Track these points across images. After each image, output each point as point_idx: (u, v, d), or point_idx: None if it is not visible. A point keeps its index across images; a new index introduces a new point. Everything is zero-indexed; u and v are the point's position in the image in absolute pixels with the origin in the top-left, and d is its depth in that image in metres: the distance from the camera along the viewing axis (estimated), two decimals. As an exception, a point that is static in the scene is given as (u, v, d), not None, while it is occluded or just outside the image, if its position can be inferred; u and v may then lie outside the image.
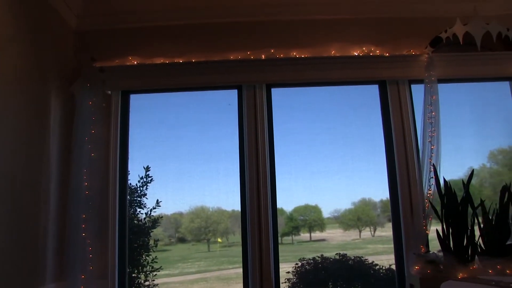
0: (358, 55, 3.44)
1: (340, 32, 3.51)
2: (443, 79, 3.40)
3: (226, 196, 3.50)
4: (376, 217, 3.83)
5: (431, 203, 3.16)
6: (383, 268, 3.44)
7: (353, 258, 3.48)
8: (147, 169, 3.57)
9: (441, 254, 3.02)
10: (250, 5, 3.49)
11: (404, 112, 3.44)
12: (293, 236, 3.86)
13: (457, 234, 3.02)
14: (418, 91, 3.45)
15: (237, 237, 3.52)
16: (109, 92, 3.46)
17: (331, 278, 3.43)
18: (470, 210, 3.06)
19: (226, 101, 3.59)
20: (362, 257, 3.49)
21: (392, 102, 3.47)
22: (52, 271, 2.98)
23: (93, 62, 3.38)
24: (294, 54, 3.42)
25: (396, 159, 3.41)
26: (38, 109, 2.95)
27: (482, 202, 3.07)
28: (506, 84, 3.61)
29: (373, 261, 3.47)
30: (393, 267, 3.38)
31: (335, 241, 3.88)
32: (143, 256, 3.52)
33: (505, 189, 3.07)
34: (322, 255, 3.50)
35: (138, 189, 3.58)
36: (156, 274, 3.48)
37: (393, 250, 3.38)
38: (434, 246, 3.13)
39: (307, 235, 3.89)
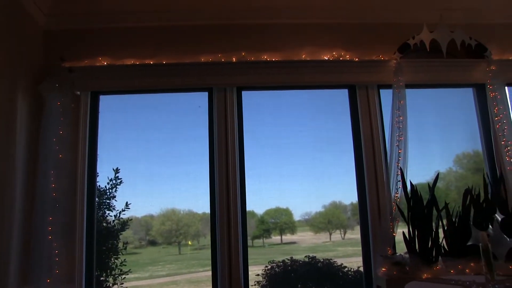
0: (329, 60, 3.48)
1: (311, 37, 3.55)
2: (410, 85, 3.48)
3: (196, 199, 3.49)
4: (347, 220, 3.88)
5: (398, 206, 3.22)
6: (352, 270, 3.49)
7: (322, 260, 3.51)
8: (116, 171, 3.53)
9: (407, 256, 3.09)
10: (222, 8, 3.50)
11: (372, 117, 3.50)
12: (264, 238, 3.87)
13: (422, 236, 3.10)
14: (386, 96, 3.53)
15: (208, 240, 3.49)
16: (78, 92, 3.41)
17: (301, 280, 3.45)
18: (435, 212, 3.14)
19: (197, 103, 3.58)
20: (331, 259, 3.53)
21: (361, 106, 3.53)
22: (16, 275, 2.90)
23: (62, 62, 3.34)
24: (265, 57, 3.44)
25: (365, 162, 3.46)
26: (4, 109, 2.89)
27: (446, 205, 3.16)
28: (469, 90, 3.73)
29: (342, 263, 3.51)
30: (362, 269, 3.42)
31: (306, 243, 3.91)
32: (112, 259, 3.47)
33: (467, 192, 3.17)
34: (291, 257, 3.53)
35: (107, 191, 3.53)
36: (125, 278, 3.43)
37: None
38: (402, 248, 3.18)
39: (278, 237, 3.91)
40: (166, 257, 3.82)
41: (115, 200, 3.52)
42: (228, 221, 3.28)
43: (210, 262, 3.34)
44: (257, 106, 3.62)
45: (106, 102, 3.57)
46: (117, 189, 3.53)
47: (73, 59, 3.37)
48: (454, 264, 2.97)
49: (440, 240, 3.11)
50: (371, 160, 3.45)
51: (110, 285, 3.40)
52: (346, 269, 3.49)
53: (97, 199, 3.45)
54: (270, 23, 3.56)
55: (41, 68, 3.34)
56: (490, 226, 3.03)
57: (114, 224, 3.51)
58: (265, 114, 3.66)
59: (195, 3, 3.48)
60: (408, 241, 3.12)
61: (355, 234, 3.75)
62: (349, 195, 3.63)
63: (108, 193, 3.54)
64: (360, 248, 3.43)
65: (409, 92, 3.44)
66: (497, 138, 3.44)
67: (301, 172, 3.57)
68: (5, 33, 2.90)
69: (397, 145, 3.32)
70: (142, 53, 3.43)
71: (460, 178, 3.80)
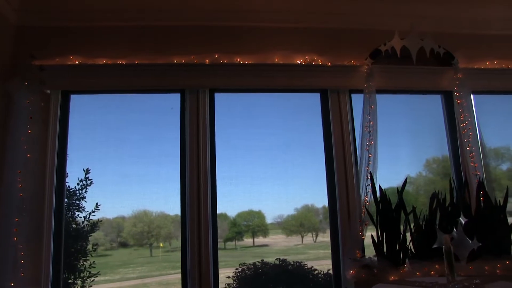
0: (301, 64, 3.52)
1: (284, 41, 3.57)
2: (381, 90, 3.55)
3: (166, 201, 3.47)
4: (318, 223, 3.91)
5: (367, 210, 3.28)
6: (322, 272, 3.52)
7: (292, 263, 3.53)
8: (86, 171, 3.47)
9: (375, 258, 3.15)
10: (196, 10, 3.50)
11: (344, 121, 3.55)
12: (236, 241, 3.87)
13: (390, 239, 3.16)
14: (357, 100, 3.58)
15: (180, 242, 3.48)
16: (48, 91, 3.35)
17: (271, 282, 3.46)
18: (404, 216, 3.21)
19: (169, 104, 3.56)
20: (301, 262, 3.55)
21: (333, 110, 3.57)
22: (-23, 278, 2.83)
23: (32, 60, 3.27)
24: (238, 60, 3.45)
25: (335, 166, 3.50)
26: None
27: (414, 208, 3.23)
28: (438, 97, 3.83)
29: (312, 266, 3.53)
30: (331, 271, 3.45)
31: (278, 246, 3.92)
32: (81, 261, 3.41)
33: (434, 196, 3.26)
34: (262, 260, 3.53)
35: (77, 192, 3.47)
36: (94, 280, 3.38)
37: (333, 255, 3.46)
38: (372, 251, 3.22)
39: (251, 240, 3.91)
40: (137, 259, 3.79)
41: (85, 201, 3.47)
42: (199, 223, 3.27)
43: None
44: (229, 108, 3.63)
45: (77, 102, 3.51)
46: (87, 190, 3.48)
47: (44, 57, 3.31)
48: (420, 266, 3.04)
49: (408, 243, 3.18)
50: (342, 164, 3.49)
51: (78, 287, 3.35)
52: (316, 271, 3.52)
53: (66, 200, 3.38)
54: (244, 26, 3.57)
55: (10, 66, 3.27)
56: (454, 229, 3.11)
57: (84, 225, 3.45)
58: (237, 117, 3.67)
59: (168, 3, 3.45)
60: (377, 244, 3.18)
61: (326, 237, 3.78)
62: (321, 199, 3.65)
63: (78, 194, 3.48)
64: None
65: (380, 97, 3.51)
66: (463, 144, 3.55)
67: (272, 175, 3.59)
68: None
69: (367, 150, 3.38)
70: (115, 53, 3.40)
71: (429, 183, 3.89)
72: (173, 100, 3.52)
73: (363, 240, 3.30)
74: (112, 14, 3.47)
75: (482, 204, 3.26)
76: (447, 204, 3.25)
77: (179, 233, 3.40)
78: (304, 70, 3.52)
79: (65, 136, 3.41)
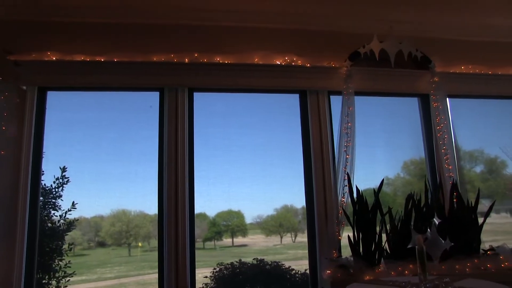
0: (281, 64, 3.53)
1: (264, 41, 3.58)
2: (360, 92, 3.59)
3: (144, 200, 3.43)
4: (298, 223, 3.93)
5: (344, 210, 3.31)
6: (299, 272, 3.53)
7: (270, 263, 3.53)
8: (63, 169, 3.42)
9: (351, 258, 3.17)
10: (177, 8, 3.47)
11: (322, 122, 3.58)
12: (215, 241, 3.87)
13: (366, 239, 3.20)
14: (336, 102, 3.62)
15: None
16: (24, 87, 3.29)
17: (249, 282, 3.46)
18: (380, 216, 3.25)
19: (148, 103, 3.54)
20: (279, 262, 3.56)
21: (312, 111, 3.60)
22: None
23: (7, 55, 3.20)
24: (218, 59, 3.45)
25: (313, 166, 3.53)
26: None
27: (389, 209, 3.28)
28: (415, 100, 3.91)
29: (290, 266, 3.55)
30: (308, 271, 3.47)
31: (257, 246, 3.93)
32: (56, 261, 3.35)
33: (409, 197, 3.31)
34: (240, 260, 3.53)
35: (53, 190, 3.41)
36: (69, 280, 3.32)
37: (311, 255, 3.49)
38: (349, 251, 3.25)
39: (230, 240, 3.91)
40: (115, 259, 3.75)
41: (61, 200, 3.40)
42: (176, 223, 3.25)
43: (159, 264, 3.30)
44: (208, 108, 3.62)
45: (54, 98, 3.45)
46: (63, 188, 3.41)
47: (20, 52, 3.25)
48: (395, 266, 3.09)
49: (383, 243, 3.22)
50: (320, 164, 3.52)
51: (53, 287, 3.29)
52: (294, 271, 3.53)
53: (41, 198, 3.32)
54: (224, 26, 3.57)
55: (-16, 61, 3.20)
56: (428, 230, 3.17)
57: (60, 224, 3.39)
58: (216, 116, 3.65)
59: (148, 1, 3.42)
60: (353, 244, 3.21)
61: (305, 237, 3.80)
62: (300, 199, 3.66)
63: (54, 192, 3.41)
64: (310, 251, 3.49)
65: (358, 99, 3.56)
66: (438, 146, 3.62)
67: (251, 175, 3.59)
68: None
69: (345, 151, 3.42)
70: (93, 49, 3.35)
71: (407, 184, 3.95)
72: (152, 99, 3.50)
73: (339, 240, 3.33)
74: (91, 10, 3.41)
75: (455, 205, 3.32)
76: (422, 205, 3.30)
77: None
78: (283, 71, 3.53)
79: (41, 133, 3.35)
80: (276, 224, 3.91)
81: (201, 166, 3.45)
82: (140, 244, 3.78)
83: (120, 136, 3.52)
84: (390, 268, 3.07)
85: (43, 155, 3.36)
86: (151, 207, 3.45)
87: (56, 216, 3.40)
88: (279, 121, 3.74)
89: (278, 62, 3.54)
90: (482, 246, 3.32)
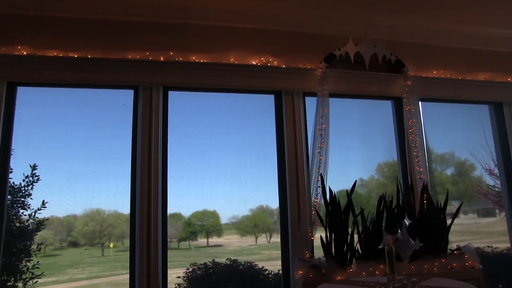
0: (256, 65, 3.55)
1: (240, 41, 3.59)
2: (334, 94, 3.64)
3: (116, 199, 3.38)
4: (273, 224, 3.94)
5: (316, 211, 3.33)
6: (272, 273, 3.54)
7: (243, 263, 3.53)
8: (33, 167, 3.33)
9: (324, 259, 3.19)
10: (152, 5, 3.44)
11: (297, 123, 3.60)
12: (190, 241, 3.84)
13: (338, 240, 3.22)
14: (311, 103, 3.65)
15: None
16: (-8, 82, 3.21)
17: (222, 282, 3.44)
18: (353, 217, 3.28)
19: (121, 100, 3.49)
20: (252, 262, 3.56)
21: (286, 112, 3.62)
22: None
23: (-26, 48, 3.13)
24: (193, 58, 3.44)
25: (287, 167, 3.54)
26: None
27: (362, 210, 3.32)
28: (389, 102, 3.97)
29: (263, 266, 3.55)
30: (281, 272, 3.48)
31: (232, 246, 3.92)
32: (23, 262, 3.25)
33: (381, 198, 3.36)
34: (213, 260, 3.52)
35: (23, 188, 3.33)
36: (37, 282, 3.23)
37: (285, 256, 3.49)
38: (321, 252, 3.27)
39: (205, 240, 3.89)
40: (88, 259, 3.67)
41: (31, 198, 3.30)
42: (149, 223, 3.21)
43: (131, 264, 3.25)
44: (183, 106, 3.59)
45: (25, 94, 3.35)
46: (33, 186, 3.33)
47: (-12, 45, 3.17)
48: (366, 266, 3.13)
49: (355, 244, 3.26)
50: (294, 165, 3.53)
51: (19, 289, 3.21)
52: (267, 272, 3.54)
53: (9, 197, 3.23)
54: (200, 24, 3.56)
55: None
56: (399, 230, 3.22)
57: (29, 224, 3.30)
58: (190, 115, 3.63)
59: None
60: (325, 245, 3.23)
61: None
62: (276, 200, 3.67)
63: (23, 191, 3.33)
64: (284, 252, 3.49)
65: (333, 100, 3.60)
66: (410, 148, 3.69)
67: (225, 175, 3.58)
68: None
69: (319, 152, 3.45)
70: (66, 45, 3.29)
71: (380, 186, 4.01)
72: (126, 96, 3.45)
73: (312, 241, 3.36)
74: (65, 5, 3.34)
75: (425, 207, 3.39)
76: (393, 206, 3.36)
77: (131, 232, 3.33)
78: (259, 71, 3.55)
79: (9, 130, 3.25)
80: (251, 225, 3.91)
81: (175, 166, 3.42)
82: (112, 245, 3.72)
83: (92, 134, 3.45)
84: (361, 268, 3.11)
85: (12, 152, 3.26)
86: (125, 207, 3.39)
87: (25, 215, 3.31)
88: (254, 121, 3.75)
89: (254, 63, 3.55)
90: (449, 246, 3.40)
